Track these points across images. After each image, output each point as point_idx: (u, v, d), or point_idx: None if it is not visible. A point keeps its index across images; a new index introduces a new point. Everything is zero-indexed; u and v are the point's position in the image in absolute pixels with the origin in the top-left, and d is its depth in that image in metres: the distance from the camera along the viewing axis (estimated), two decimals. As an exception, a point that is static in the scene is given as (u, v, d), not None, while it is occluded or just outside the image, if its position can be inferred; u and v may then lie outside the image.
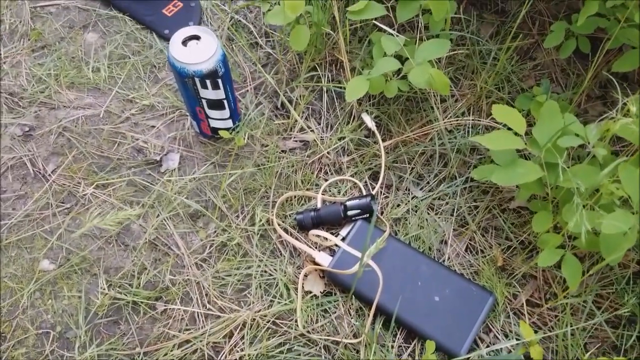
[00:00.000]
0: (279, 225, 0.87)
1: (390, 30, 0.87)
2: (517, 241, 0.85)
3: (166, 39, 1.13)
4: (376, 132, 0.89)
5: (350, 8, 0.88)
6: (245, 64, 1.10)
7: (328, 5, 0.90)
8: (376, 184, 0.92)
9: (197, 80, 0.85)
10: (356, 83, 0.84)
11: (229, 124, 0.97)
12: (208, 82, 0.86)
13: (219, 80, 0.87)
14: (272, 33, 1.12)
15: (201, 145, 1.00)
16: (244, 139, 0.97)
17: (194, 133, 1.01)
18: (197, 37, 0.85)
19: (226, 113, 0.94)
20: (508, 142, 0.69)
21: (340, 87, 0.97)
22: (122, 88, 1.08)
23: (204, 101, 0.90)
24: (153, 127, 1.03)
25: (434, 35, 0.87)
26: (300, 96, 1.02)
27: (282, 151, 0.97)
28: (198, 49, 0.84)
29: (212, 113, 0.93)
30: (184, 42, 0.85)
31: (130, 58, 1.12)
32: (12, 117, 1.04)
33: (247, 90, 1.05)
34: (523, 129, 0.70)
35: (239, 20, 1.15)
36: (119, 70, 1.10)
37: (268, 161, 0.96)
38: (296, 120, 0.99)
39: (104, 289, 0.85)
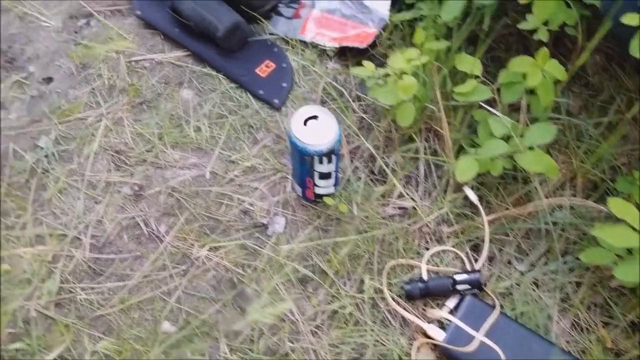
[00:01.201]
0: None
1: (496, 112, 0.92)
2: (625, 321, 0.90)
3: (261, 99, 1.19)
4: (479, 206, 0.95)
5: (457, 89, 0.93)
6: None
7: (430, 82, 0.96)
8: (478, 255, 0.97)
9: (315, 158, 0.91)
10: (466, 164, 0.89)
11: (332, 190, 1.02)
12: (325, 159, 0.92)
13: (333, 156, 0.93)
14: (364, 97, 1.17)
15: (303, 209, 1.06)
16: (346, 204, 1.02)
17: (296, 196, 1.07)
18: (316, 117, 0.91)
19: (332, 182, 1.00)
20: (630, 239, 0.73)
21: (440, 160, 1.02)
22: (223, 148, 1.13)
23: (316, 174, 0.96)
24: (256, 189, 1.09)
25: (535, 115, 0.92)
26: (396, 162, 1.07)
27: (382, 218, 1.02)
28: (319, 130, 0.89)
29: (320, 182, 0.98)
30: (305, 122, 0.90)
31: (227, 117, 1.17)
32: (120, 176, 1.11)
33: (343, 155, 1.10)
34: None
35: (330, 83, 1.20)
36: (218, 130, 1.16)
37: (370, 227, 1.01)
38: (394, 187, 1.04)
39: (226, 354, 0.90)
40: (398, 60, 0.90)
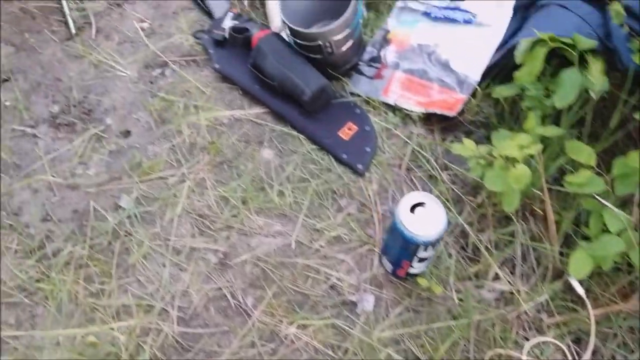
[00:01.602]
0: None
1: (608, 204, 0.88)
2: None
3: (344, 163, 1.16)
4: (586, 300, 0.91)
5: (569, 179, 0.89)
6: (426, 196, 1.12)
7: (535, 169, 0.92)
8: (580, 348, 0.93)
9: (421, 247, 0.88)
10: (580, 260, 0.85)
11: (424, 269, 0.99)
12: (430, 247, 0.89)
13: (438, 243, 0.90)
14: (452, 166, 1.14)
15: (392, 286, 1.03)
16: (439, 285, 0.99)
17: (384, 271, 1.04)
18: (423, 204, 0.88)
19: (427, 263, 0.97)
20: None
21: (541, 246, 0.99)
22: (307, 215, 1.11)
23: (416, 258, 0.92)
24: (343, 261, 1.06)
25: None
26: (490, 240, 1.04)
27: (477, 301, 0.99)
28: (427, 219, 0.87)
29: (417, 265, 0.95)
30: (412, 209, 0.87)
31: (310, 181, 1.15)
32: (205, 241, 1.08)
33: (433, 228, 1.07)
34: None
35: (415, 149, 1.17)
36: (301, 195, 1.13)
37: (464, 311, 0.98)
38: (489, 267, 1.01)
39: None
40: (509, 146, 0.87)
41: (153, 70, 1.34)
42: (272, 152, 1.20)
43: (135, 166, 1.18)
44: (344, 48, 1.19)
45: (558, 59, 0.93)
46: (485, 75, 1.14)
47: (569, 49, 0.87)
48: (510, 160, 0.87)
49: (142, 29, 1.42)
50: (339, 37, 1.14)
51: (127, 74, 1.33)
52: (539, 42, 0.89)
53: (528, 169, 0.85)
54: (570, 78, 0.86)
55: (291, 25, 1.14)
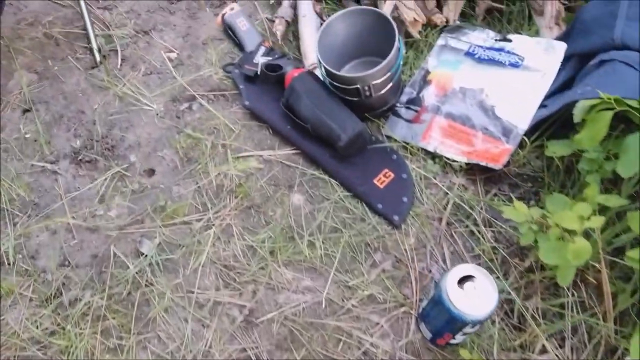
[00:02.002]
0: None
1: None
2: None
3: (379, 213, 1.09)
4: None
5: (631, 254, 0.81)
6: (467, 253, 1.05)
7: (593, 241, 0.84)
8: None
9: (469, 325, 0.80)
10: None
11: (466, 339, 0.91)
12: (478, 325, 0.81)
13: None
14: (495, 222, 1.06)
15: (430, 354, 0.95)
16: (482, 357, 0.91)
17: (421, 337, 0.96)
18: (472, 277, 0.80)
19: (470, 334, 0.89)
20: None
21: (594, 321, 0.91)
22: (339, 270, 1.04)
23: (460, 332, 0.85)
24: (377, 324, 0.99)
25: None
26: (537, 308, 0.96)
27: (524, 376, 0.91)
28: (476, 295, 0.79)
29: (459, 337, 0.88)
30: (460, 281, 0.80)
31: (342, 232, 1.08)
32: (229, 295, 1.02)
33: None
34: None
35: (456, 202, 1.09)
36: (333, 247, 1.06)
37: (510, 387, 0.89)
38: (535, 338, 0.92)
39: None
40: (567, 218, 0.79)
41: (180, 105, 1.28)
42: (302, 197, 1.13)
43: (159, 209, 1.12)
44: (382, 91, 1.12)
45: (620, 121, 0.85)
46: (535, 127, 1.06)
47: (636, 113, 0.79)
48: (568, 232, 0.79)
49: (170, 60, 1.37)
50: (379, 81, 1.07)
51: (153, 108, 1.27)
52: (601, 103, 0.81)
53: (588, 244, 0.77)
54: (636, 145, 0.78)
55: (328, 67, 1.08)
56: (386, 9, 1.15)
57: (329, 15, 1.31)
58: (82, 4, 1.35)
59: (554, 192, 0.90)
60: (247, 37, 1.33)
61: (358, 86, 1.09)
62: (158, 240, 1.08)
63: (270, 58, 1.25)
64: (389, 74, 1.09)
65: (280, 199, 1.13)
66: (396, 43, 1.07)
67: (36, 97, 1.29)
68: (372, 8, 1.14)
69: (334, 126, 1.09)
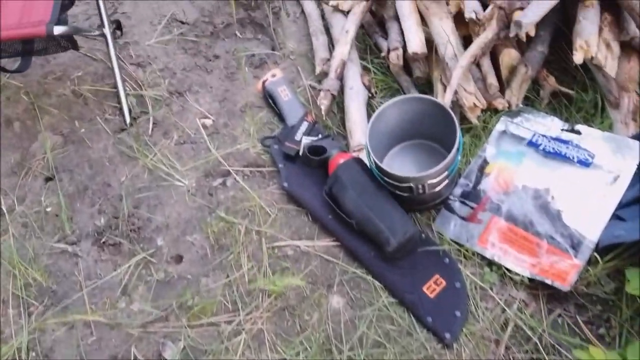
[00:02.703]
0: None
1: None
2: None
3: (428, 328, 0.97)
4: None
5: None
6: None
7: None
8: None
9: None
10: None
11: None
12: None
13: None
14: (560, 350, 0.94)
15: None
16: None
17: None
18: None
19: None
20: None
21: None
22: (381, 395, 0.92)
23: None
24: None
25: None
26: None
27: None
28: None
29: None
30: None
31: (387, 347, 0.97)
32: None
33: None
34: None
35: (515, 322, 0.97)
36: (375, 365, 0.94)
37: None
38: None
39: None
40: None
41: (214, 180, 1.19)
42: (342, 300, 1.02)
43: (185, 305, 1.02)
44: (437, 188, 1.00)
45: None
46: (609, 247, 0.93)
47: None
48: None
49: (205, 127, 1.27)
50: (435, 180, 0.96)
51: (185, 184, 1.17)
52: None
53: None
54: None
55: (379, 163, 0.97)
56: (447, 99, 1.04)
57: (377, 87, 1.21)
58: (114, 60, 1.26)
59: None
60: (289, 109, 1.23)
61: (411, 185, 0.97)
62: (182, 343, 0.98)
63: (314, 138, 1.14)
64: (446, 172, 0.97)
65: (318, 301, 1.02)
66: (457, 142, 0.96)
67: (60, 164, 1.21)
68: (430, 98, 1.04)
69: (383, 227, 0.99)
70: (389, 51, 1.20)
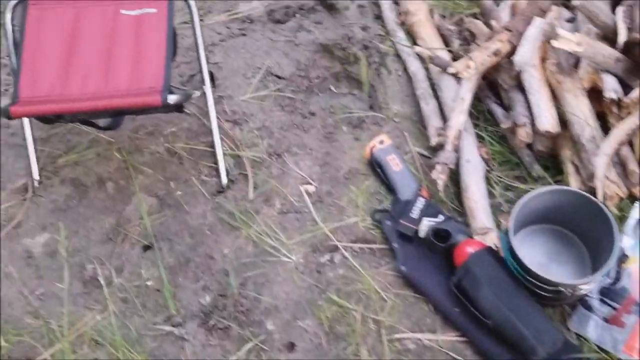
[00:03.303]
0: None
1: None
2: None
3: None
4: None
5: None
6: None
7: None
8: None
9: None
10: None
11: None
12: None
13: None
14: None
15: None
16: None
17: None
18: None
19: None
20: None
21: None
22: None
23: None
24: None
25: None
26: None
27: None
28: None
29: None
30: None
31: None
32: None
33: None
34: None
35: None
36: None
37: None
38: None
39: None
40: None
41: (321, 256, 1.11)
42: (472, 403, 0.93)
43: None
44: (584, 292, 0.91)
45: None
46: None
47: None
48: None
49: (308, 194, 1.19)
50: (589, 286, 0.87)
51: (292, 260, 1.09)
52: None
53: None
54: None
55: (533, 270, 0.89)
56: (599, 195, 0.95)
57: (494, 159, 1.13)
58: (213, 119, 1.19)
59: None
60: (401, 181, 1.15)
61: (561, 289, 0.89)
62: None
63: (435, 219, 1.06)
64: (601, 278, 0.89)
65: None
66: (615, 245, 0.87)
67: (158, 231, 1.13)
68: (577, 190, 0.96)
69: (527, 333, 0.90)
70: (514, 125, 1.12)
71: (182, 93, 1.02)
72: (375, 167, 1.20)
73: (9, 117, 0.95)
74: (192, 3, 1.13)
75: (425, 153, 1.24)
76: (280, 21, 1.53)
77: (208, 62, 1.35)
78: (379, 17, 1.50)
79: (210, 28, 1.47)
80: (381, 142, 1.20)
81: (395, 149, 1.20)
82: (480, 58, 1.10)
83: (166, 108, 1.02)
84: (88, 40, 1.04)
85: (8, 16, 1.07)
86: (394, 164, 1.17)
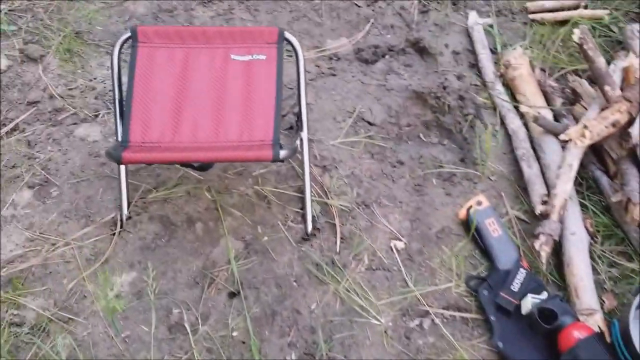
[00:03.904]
0: None
1: None
2: None
3: None
4: None
5: None
6: None
7: None
8: None
9: None
10: None
11: None
12: None
13: None
14: None
15: None
16: None
17: None
18: None
19: None
20: None
21: None
22: None
23: None
24: None
25: None
26: None
27: None
28: None
29: None
30: None
31: None
32: None
33: None
34: None
35: None
36: None
37: None
38: None
39: None
40: None
41: (410, 320, 1.06)
42: None
43: None
44: None
45: None
46: None
47: None
48: None
49: (397, 250, 1.15)
50: None
51: (381, 323, 1.05)
52: None
53: None
54: None
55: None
56: None
57: (598, 232, 1.07)
58: (307, 167, 1.16)
59: None
60: (500, 248, 1.10)
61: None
62: None
63: (539, 297, 1.00)
64: None
65: None
66: None
67: (244, 278, 1.10)
68: None
69: None
70: (627, 201, 1.05)
71: (291, 148, 1.00)
72: (471, 229, 1.14)
73: (120, 163, 0.94)
74: (299, 47, 1.10)
75: (524, 217, 1.18)
76: (368, 61, 1.50)
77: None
78: (474, 66, 1.46)
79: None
80: (479, 204, 1.15)
81: (494, 212, 1.15)
82: (598, 128, 1.04)
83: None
84: (198, 85, 1.02)
85: (116, 52, 1.07)
86: (493, 229, 1.12)
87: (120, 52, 1.09)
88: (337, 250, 1.15)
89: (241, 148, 0.96)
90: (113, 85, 1.10)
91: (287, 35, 1.10)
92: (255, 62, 1.06)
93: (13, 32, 1.53)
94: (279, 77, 1.04)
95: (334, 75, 1.45)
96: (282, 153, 0.96)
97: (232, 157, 0.95)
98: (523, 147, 1.22)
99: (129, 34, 1.08)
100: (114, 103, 1.09)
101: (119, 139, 1.02)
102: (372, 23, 1.59)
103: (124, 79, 1.11)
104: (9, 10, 1.58)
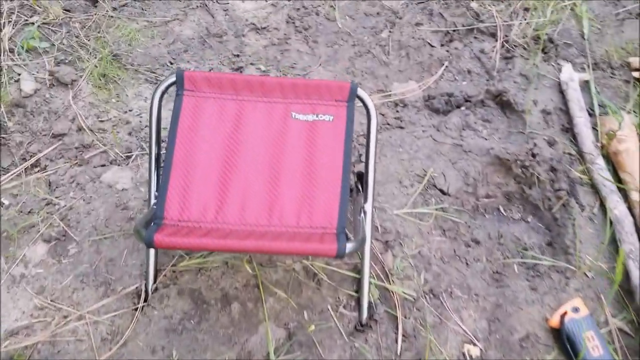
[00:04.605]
0: None
1: None
2: None
3: None
4: None
5: None
6: None
7: None
8: None
9: None
10: None
11: None
12: None
13: None
14: None
15: None
16: None
17: None
18: None
19: None
20: None
21: None
22: None
23: None
24: None
25: None
26: None
27: None
28: None
29: None
30: None
31: None
32: None
33: None
34: None
35: None
36: None
37: None
38: None
39: None
40: None
41: None
42: None
43: None
44: None
45: None
46: None
47: None
48: None
49: (470, 358, 0.93)
50: None
51: None
52: None
53: None
54: None
55: None
56: None
57: None
58: (368, 242, 0.95)
59: None
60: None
61: None
62: None
63: None
64: None
65: None
66: None
67: (283, 379, 0.90)
68: None
69: None
70: None
71: (358, 240, 0.80)
72: (565, 341, 0.92)
73: (150, 247, 0.75)
74: (372, 108, 0.90)
75: (628, 329, 0.96)
76: (439, 111, 1.29)
77: (359, 162, 1.13)
78: (568, 130, 1.23)
79: (362, 112, 1.25)
80: (575, 310, 0.93)
81: (594, 323, 0.92)
82: None
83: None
84: (251, 149, 0.84)
85: (156, 101, 0.88)
86: (592, 346, 0.89)
87: (161, 99, 0.90)
88: (398, 351, 0.94)
89: (299, 237, 0.77)
90: (150, 137, 0.93)
91: (360, 92, 0.90)
92: (320, 124, 0.86)
93: (44, 49, 1.36)
94: (347, 145, 0.84)
95: (401, 127, 1.24)
96: (349, 246, 0.76)
97: (287, 250, 0.75)
98: (629, 241, 1.00)
99: (173, 79, 0.89)
100: (150, 159, 0.91)
101: (151, 205, 0.84)
102: (446, 67, 1.38)
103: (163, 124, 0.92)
104: (43, 24, 1.42)
